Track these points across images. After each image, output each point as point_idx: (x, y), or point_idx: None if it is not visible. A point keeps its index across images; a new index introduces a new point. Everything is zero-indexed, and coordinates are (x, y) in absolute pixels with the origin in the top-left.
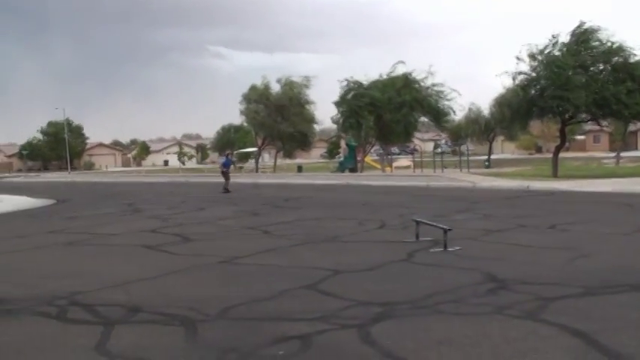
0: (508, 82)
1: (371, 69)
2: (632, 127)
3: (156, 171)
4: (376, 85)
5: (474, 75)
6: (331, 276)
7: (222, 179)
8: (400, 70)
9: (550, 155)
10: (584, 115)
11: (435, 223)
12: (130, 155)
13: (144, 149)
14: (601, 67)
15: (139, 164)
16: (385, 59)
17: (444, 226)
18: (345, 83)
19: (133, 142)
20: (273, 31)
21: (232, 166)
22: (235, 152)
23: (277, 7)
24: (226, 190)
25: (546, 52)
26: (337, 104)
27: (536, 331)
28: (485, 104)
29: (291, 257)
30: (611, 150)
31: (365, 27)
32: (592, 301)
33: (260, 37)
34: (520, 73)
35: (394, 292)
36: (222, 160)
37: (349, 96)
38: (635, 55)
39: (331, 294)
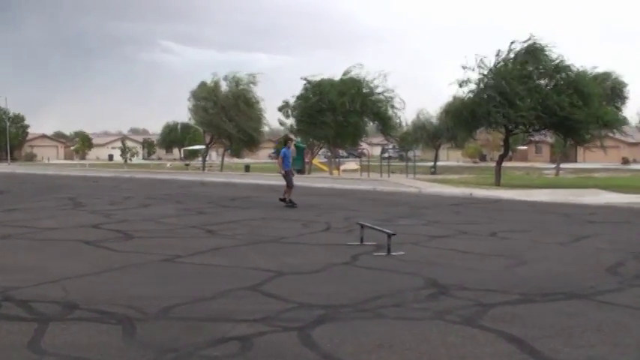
0: (457, 91)
1: (324, 71)
2: (572, 140)
3: (100, 165)
4: (331, 86)
5: (425, 81)
6: (274, 277)
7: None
8: (354, 74)
9: (494, 164)
10: (523, 127)
11: (379, 228)
12: (73, 148)
13: (85, 142)
14: (545, 82)
15: (82, 158)
16: (338, 62)
17: (389, 231)
18: (305, 82)
19: (77, 134)
20: (226, 29)
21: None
22: (182, 149)
23: (231, 4)
24: (289, 203)
25: (495, 64)
26: (293, 107)
27: (474, 337)
28: (434, 111)
29: (235, 257)
30: (552, 161)
31: (318, 28)
32: (529, 308)
33: (213, 34)
34: (468, 81)
35: (336, 294)
36: (284, 150)
37: (306, 97)
38: (581, 72)
39: (273, 295)
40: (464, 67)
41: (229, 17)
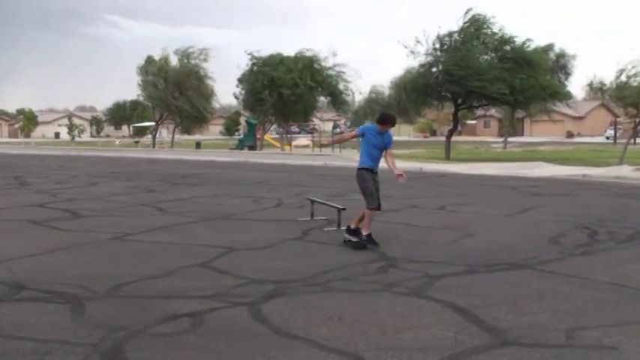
0: (408, 64)
1: (272, 46)
2: (519, 114)
3: (46, 143)
4: (279, 61)
5: (376, 57)
6: (225, 254)
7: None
8: (303, 52)
9: (444, 138)
10: (475, 103)
11: (329, 203)
12: (17, 126)
13: (30, 119)
14: (492, 56)
15: (27, 136)
16: (286, 37)
17: (339, 206)
18: (249, 57)
19: (21, 112)
20: (173, 2)
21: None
22: (131, 126)
23: None
24: (359, 240)
25: (446, 38)
26: (239, 80)
27: (422, 308)
28: (385, 86)
29: (185, 235)
30: (500, 135)
31: (266, 3)
32: (474, 279)
33: (159, 8)
34: (418, 54)
35: (287, 269)
36: (366, 126)
37: (251, 74)
38: (527, 42)
39: (224, 272)
40: (417, 41)
41: None
